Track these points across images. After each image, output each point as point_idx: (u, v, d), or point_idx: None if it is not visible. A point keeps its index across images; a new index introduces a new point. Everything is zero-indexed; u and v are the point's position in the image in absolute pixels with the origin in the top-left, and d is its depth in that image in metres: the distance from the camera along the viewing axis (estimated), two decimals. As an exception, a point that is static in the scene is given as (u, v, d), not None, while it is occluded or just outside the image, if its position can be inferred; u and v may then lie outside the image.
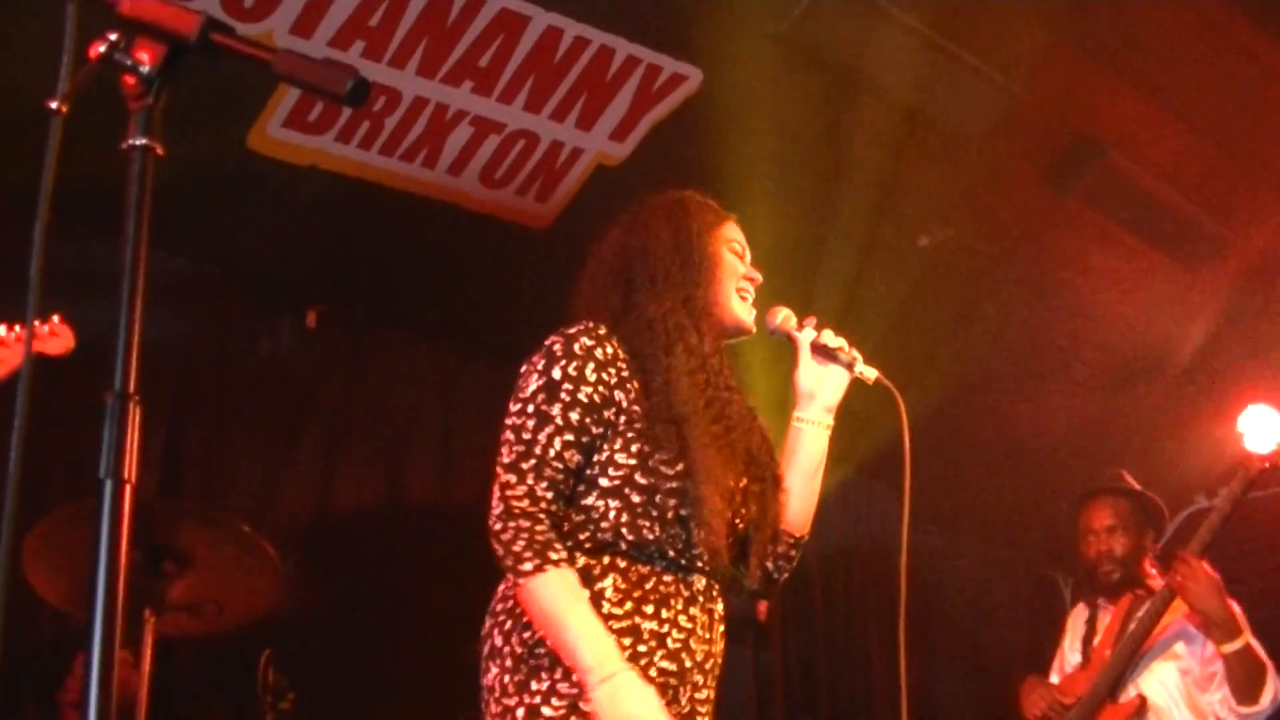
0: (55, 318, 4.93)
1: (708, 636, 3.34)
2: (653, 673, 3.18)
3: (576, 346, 3.29)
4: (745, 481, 3.44)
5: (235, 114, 5.72)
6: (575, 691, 3.11)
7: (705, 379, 3.37)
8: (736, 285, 3.55)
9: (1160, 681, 5.55)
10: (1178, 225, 7.27)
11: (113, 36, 1.99)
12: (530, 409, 3.25)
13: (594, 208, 6.21)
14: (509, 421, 3.29)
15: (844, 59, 6.11)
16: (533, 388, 3.28)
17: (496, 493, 3.22)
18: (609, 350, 3.30)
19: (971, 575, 9.42)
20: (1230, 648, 5.34)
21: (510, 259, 6.63)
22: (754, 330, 3.59)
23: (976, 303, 7.59)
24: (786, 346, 3.68)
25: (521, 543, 3.13)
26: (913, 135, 6.49)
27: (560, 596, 3.12)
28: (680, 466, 3.22)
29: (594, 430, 3.23)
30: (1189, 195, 7.19)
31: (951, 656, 9.05)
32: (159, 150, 1.98)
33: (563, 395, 3.23)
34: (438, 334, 7.11)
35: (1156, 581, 5.75)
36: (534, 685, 3.16)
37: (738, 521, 3.41)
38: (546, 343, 3.34)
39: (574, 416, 3.22)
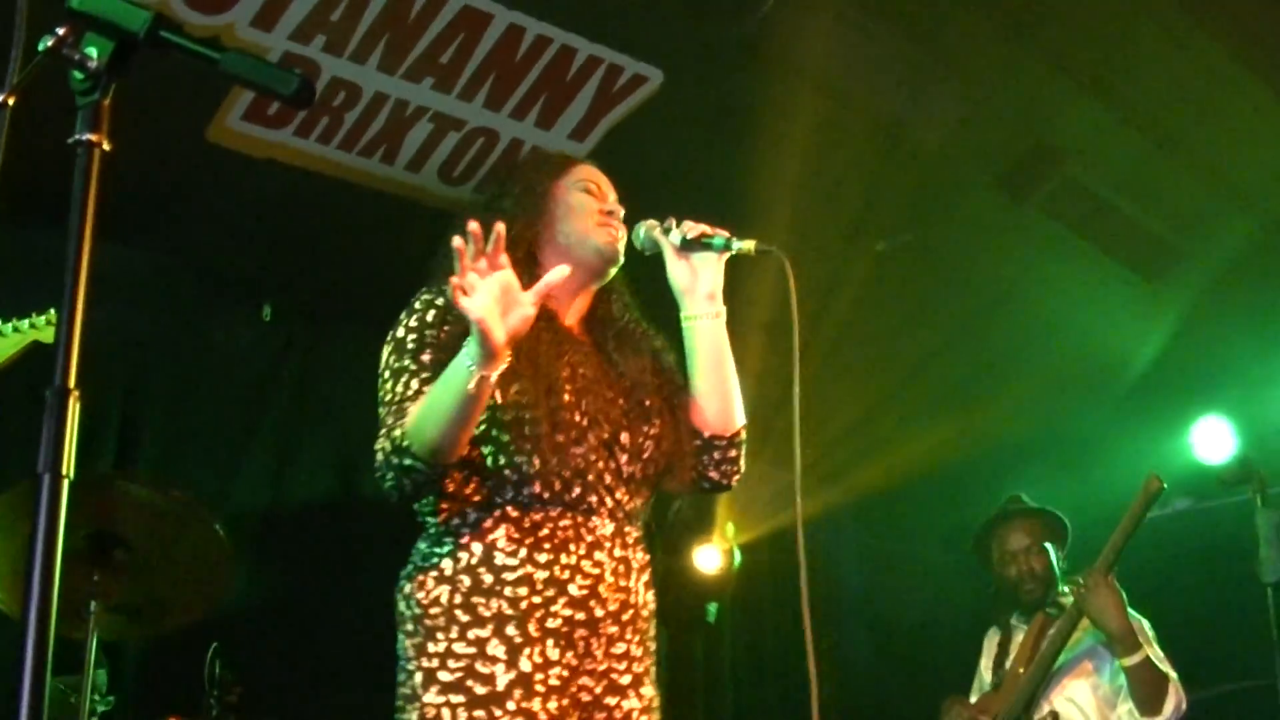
0: (52, 310, 4.90)
1: (624, 585, 3.28)
2: (555, 622, 3.14)
3: (416, 303, 3.35)
4: (631, 403, 3.40)
5: (195, 106, 5.71)
6: (472, 651, 3.09)
7: (545, 323, 3.30)
8: (595, 221, 3.49)
9: (1070, 698, 5.63)
10: (1134, 235, 7.32)
11: (61, 31, 1.99)
12: (386, 374, 3.28)
13: (553, 207, 6.22)
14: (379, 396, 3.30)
15: (805, 63, 6.13)
16: (385, 355, 3.32)
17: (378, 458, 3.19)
18: (446, 299, 3.27)
19: (919, 581, 9.44)
20: (1130, 661, 5.41)
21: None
22: (619, 256, 3.51)
23: (932, 308, 7.62)
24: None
25: (384, 440, 3.14)
26: (872, 140, 6.51)
27: (422, 401, 3.12)
28: (535, 390, 3.20)
29: (447, 362, 3.13)
30: (1146, 205, 7.24)
31: (894, 657, 9.08)
32: (106, 146, 1.98)
33: (409, 345, 3.26)
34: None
35: (1067, 598, 5.82)
36: (430, 647, 3.15)
37: (642, 439, 3.37)
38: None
39: (425, 357, 3.23)
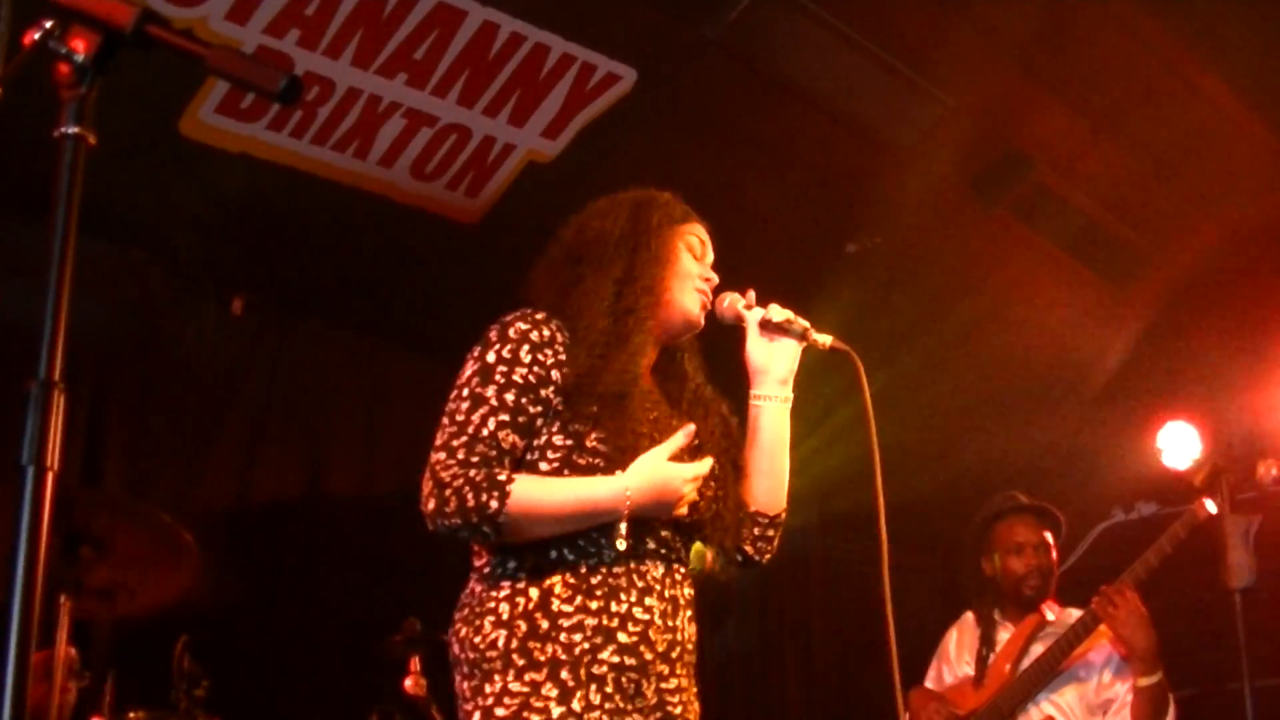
0: None
1: (672, 625, 3.29)
2: (600, 669, 3.15)
3: (511, 331, 3.29)
4: (687, 459, 3.38)
5: (167, 98, 5.70)
6: (527, 690, 3.09)
7: (627, 359, 3.33)
8: (693, 284, 3.51)
9: (1063, 705, 5.61)
10: (1103, 241, 7.36)
11: (48, 24, 1.99)
12: (465, 393, 3.24)
13: (524, 204, 6.25)
14: (445, 408, 3.27)
15: (778, 64, 6.15)
16: (468, 373, 3.27)
17: (426, 473, 3.18)
18: (545, 333, 3.29)
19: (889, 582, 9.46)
20: (1147, 681, 5.39)
21: (439, 252, 6.63)
22: (701, 323, 3.53)
23: (900, 311, 7.63)
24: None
25: (469, 492, 3.09)
26: (843, 142, 6.53)
27: (537, 492, 3.13)
28: (617, 443, 3.21)
29: (531, 410, 3.21)
30: (1115, 212, 7.27)
31: (863, 664, 9.11)
32: (91, 140, 1.97)
33: (497, 378, 3.22)
34: (364, 325, 7.09)
35: (1049, 603, 5.83)
36: (486, 689, 3.14)
37: (703, 499, 3.37)
38: (485, 331, 3.33)
39: (509, 398, 3.20)
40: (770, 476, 3.60)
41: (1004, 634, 5.88)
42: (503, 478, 3.10)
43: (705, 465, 3.27)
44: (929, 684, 6.05)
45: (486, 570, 3.29)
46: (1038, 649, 5.70)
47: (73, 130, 1.96)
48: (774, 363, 3.58)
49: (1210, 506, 5.64)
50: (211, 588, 5.51)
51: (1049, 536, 5.92)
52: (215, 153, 5.91)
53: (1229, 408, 7.57)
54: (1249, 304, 7.57)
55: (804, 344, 3.58)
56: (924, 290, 7.59)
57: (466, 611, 3.28)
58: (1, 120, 2.00)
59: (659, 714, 3.25)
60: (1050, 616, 5.81)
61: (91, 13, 1.99)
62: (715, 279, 3.58)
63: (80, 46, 1.98)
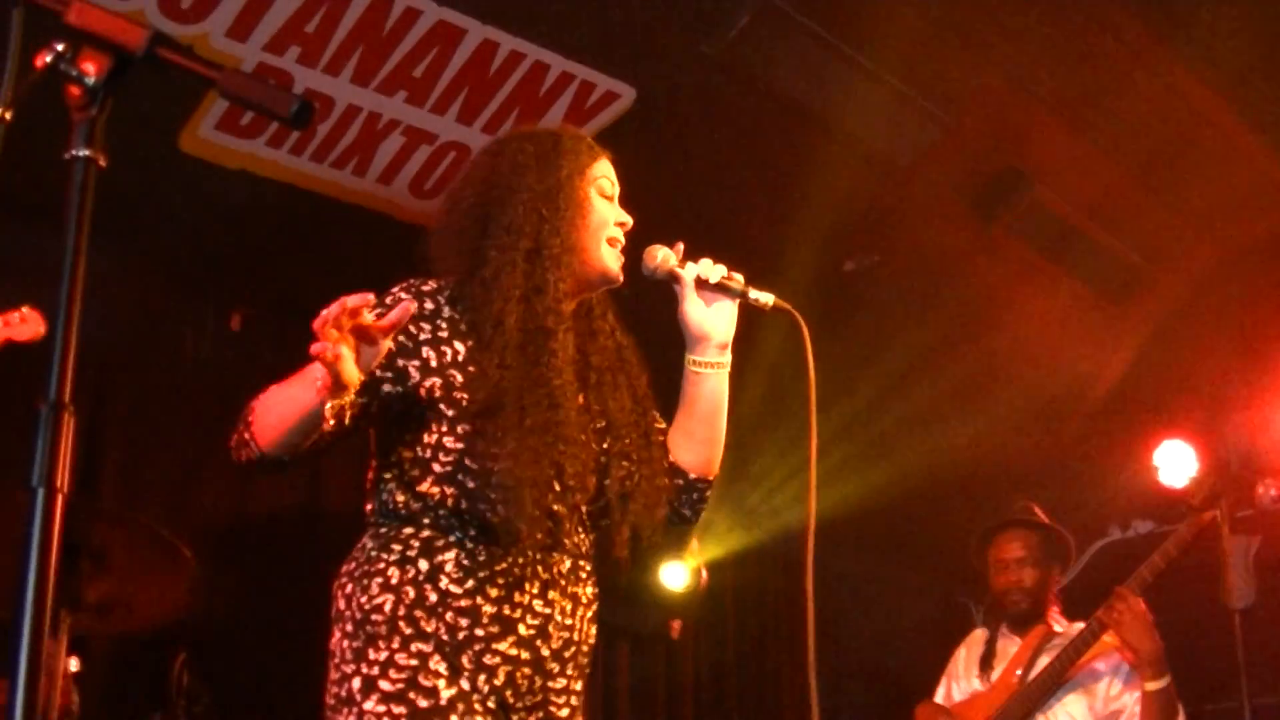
0: (24, 307, 4.91)
1: (569, 623, 3.21)
2: (493, 659, 3.08)
3: (388, 298, 3.20)
4: (608, 443, 3.30)
5: (168, 114, 5.71)
6: (415, 664, 3.02)
7: (536, 352, 3.17)
8: (607, 234, 3.34)
9: (1069, 714, 5.60)
10: (1100, 258, 7.36)
11: (59, 46, 1.99)
12: None
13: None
14: None
15: (777, 82, 6.15)
16: None
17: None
18: (429, 306, 3.20)
19: (882, 599, 9.48)
20: (1155, 686, 5.38)
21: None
22: (621, 279, 3.36)
23: (898, 328, 7.65)
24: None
25: (239, 426, 3.11)
26: (842, 160, 6.54)
27: (265, 399, 3.09)
28: (507, 447, 3.06)
29: (377, 374, 3.06)
30: (1113, 230, 7.27)
31: (860, 677, 9.11)
32: (101, 162, 1.98)
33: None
34: (361, 340, 7.08)
35: (1056, 616, 5.83)
36: (370, 654, 3.06)
37: (612, 482, 3.28)
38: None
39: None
40: (707, 445, 3.45)
41: (1010, 647, 5.90)
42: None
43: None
44: (938, 700, 6.06)
45: (382, 528, 3.22)
46: (1044, 660, 5.71)
47: (83, 153, 1.97)
48: (714, 327, 3.36)
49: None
50: (208, 602, 5.52)
51: (1041, 556, 5.92)
52: (215, 168, 5.93)
53: (1226, 426, 7.60)
54: (1246, 322, 7.59)
55: (742, 303, 3.36)
56: (921, 307, 7.60)
57: (353, 566, 3.22)
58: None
59: (540, 713, 3.19)
60: (1058, 629, 5.82)
61: (103, 35, 1.99)
62: (629, 221, 3.40)
63: (91, 69, 1.98)
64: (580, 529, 3.28)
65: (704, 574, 8.40)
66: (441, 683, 3.03)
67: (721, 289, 3.35)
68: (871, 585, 9.35)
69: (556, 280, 3.23)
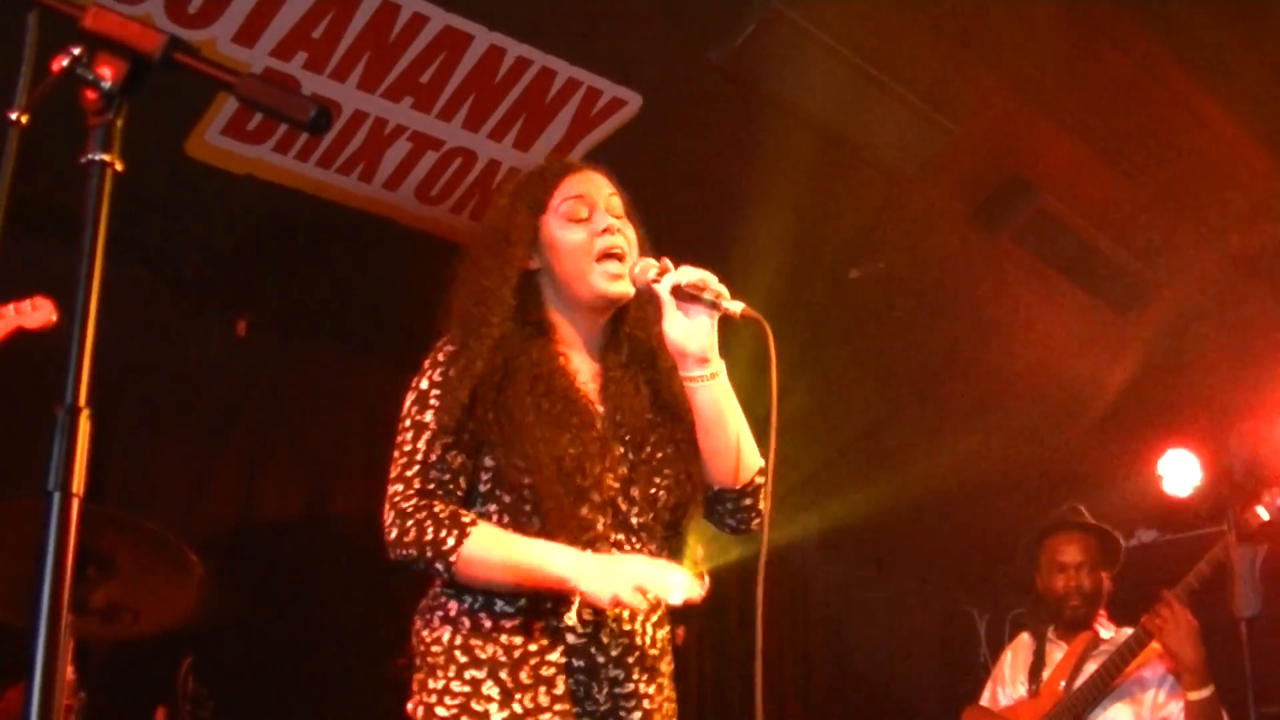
0: (36, 296, 4.93)
1: (629, 629, 3.25)
2: (548, 671, 3.14)
3: (440, 354, 3.34)
4: (631, 456, 3.33)
5: (174, 120, 5.70)
6: (467, 690, 3.11)
7: (545, 386, 3.25)
8: (592, 256, 3.33)
9: None
10: (1105, 268, 7.36)
11: (76, 51, 1.99)
12: (408, 423, 3.25)
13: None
14: (395, 441, 3.28)
15: (783, 91, 6.15)
16: (408, 404, 3.29)
17: (386, 505, 3.18)
18: (464, 354, 3.29)
19: (886, 608, 9.47)
20: (1198, 695, 5.39)
21: (443, 276, 6.62)
22: (619, 295, 3.34)
23: (903, 337, 7.65)
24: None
25: (430, 528, 3.09)
26: (848, 168, 6.54)
27: (493, 545, 3.10)
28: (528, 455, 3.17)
29: (471, 427, 3.20)
30: (1118, 238, 7.27)
31: (863, 685, 9.10)
32: (118, 166, 1.98)
33: (431, 402, 3.24)
34: (366, 347, 7.09)
35: (1103, 620, 5.83)
36: (430, 683, 3.17)
37: (657, 494, 3.32)
38: (421, 360, 3.38)
39: (447, 419, 3.20)
40: (721, 454, 3.38)
41: (1057, 652, 5.89)
42: (466, 519, 3.11)
43: (664, 591, 3.17)
44: (984, 704, 6.05)
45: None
46: (1091, 667, 5.70)
47: (100, 157, 1.97)
48: (690, 340, 3.29)
49: (1262, 513, 5.63)
50: (214, 608, 5.51)
51: (1098, 559, 5.92)
52: (221, 174, 5.92)
53: (1230, 436, 7.58)
54: (1251, 332, 7.59)
55: (716, 313, 3.27)
56: (926, 317, 7.59)
57: (423, 604, 3.32)
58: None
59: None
60: (1105, 635, 5.81)
61: (120, 40, 1.99)
62: (615, 229, 3.37)
63: (108, 74, 1.98)
64: (631, 539, 3.30)
65: (706, 581, 8.38)
66: (493, 707, 3.11)
67: (692, 298, 3.28)
68: (875, 594, 9.35)
69: (571, 308, 3.40)
